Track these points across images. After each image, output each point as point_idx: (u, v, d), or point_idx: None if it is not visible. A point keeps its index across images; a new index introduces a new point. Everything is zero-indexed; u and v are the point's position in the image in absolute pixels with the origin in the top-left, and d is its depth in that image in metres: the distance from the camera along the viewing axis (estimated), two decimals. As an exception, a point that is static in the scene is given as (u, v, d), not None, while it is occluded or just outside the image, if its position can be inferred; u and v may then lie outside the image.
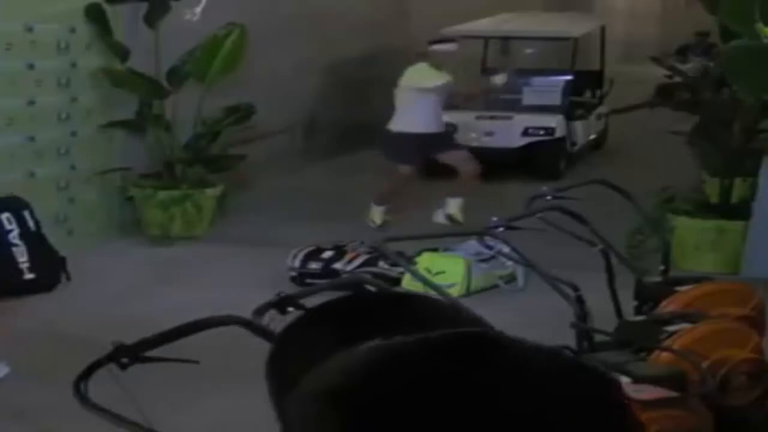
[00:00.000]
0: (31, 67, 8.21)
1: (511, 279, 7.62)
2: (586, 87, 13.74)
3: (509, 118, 11.85)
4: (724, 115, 8.14)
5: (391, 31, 14.00)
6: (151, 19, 9.01)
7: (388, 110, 9.52)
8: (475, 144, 11.17)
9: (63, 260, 7.76)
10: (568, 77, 12.64)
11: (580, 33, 13.19)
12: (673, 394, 3.51)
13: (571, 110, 12.45)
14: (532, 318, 6.26)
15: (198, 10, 9.88)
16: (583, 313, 4.33)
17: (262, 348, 2.43)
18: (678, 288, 4.70)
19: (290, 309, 2.89)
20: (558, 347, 1.20)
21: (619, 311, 4.79)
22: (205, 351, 2.95)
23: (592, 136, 13.37)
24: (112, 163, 9.01)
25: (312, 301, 2.83)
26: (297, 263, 7.75)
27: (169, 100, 9.12)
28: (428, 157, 9.53)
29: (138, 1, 9.05)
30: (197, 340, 2.63)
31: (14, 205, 7.77)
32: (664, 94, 9.29)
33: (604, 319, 4.54)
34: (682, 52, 18.18)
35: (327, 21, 12.43)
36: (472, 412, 1.06)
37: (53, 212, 8.38)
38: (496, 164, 10.74)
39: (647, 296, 4.81)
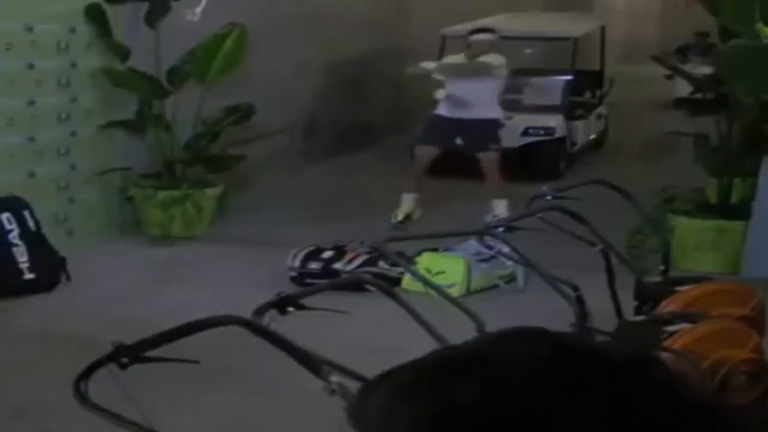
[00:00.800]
0: (31, 67, 8.21)
1: (511, 279, 7.62)
2: (586, 87, 13.74)
3: (509, 118, 11.84)
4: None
5: (391, 31, 14.00)
6: (151, 19, 9.00)
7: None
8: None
9: (63, 260, 7.76)
10: (568, 77, 12.64)
11: (580, 33, 13.19)
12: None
13: (571, 110, 12.45)
14: (532, 318, 6.25)
15: (198, 10, 9.88)
16: (583, 313, 4.33)
17: (262, 348, 2.43)
18: (678, 288, 4.71)
19: (290, 309, 2.89)
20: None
21: (619, 311, 4.79)
22: (205, 351, 2.95)
23: (592, 136, 13.37)
24: (112, 163, 9.01)
25: (309, 301, 2.83)
26: (297, 263, 7.75)
27: (169, 100, 9.12)
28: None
29: (138, 1, 9.04)
30: (197, 340, 2.63)
31: (14, 205, 7.77)
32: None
33: (604, 319, 4.55)
34: (682, 52, 18.20)
35: (327, 21, 12.43)
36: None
37: (53, 212, 8.38)
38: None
39: (647, 296, 4.81)
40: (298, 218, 9.64)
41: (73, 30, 8.58)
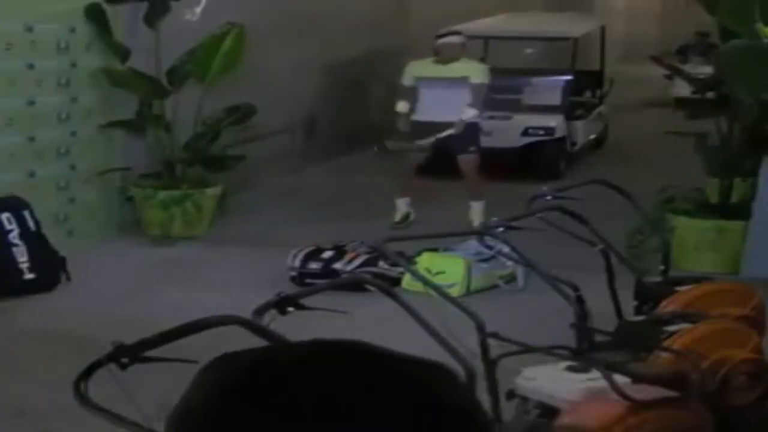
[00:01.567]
0: (31, 67, 8.21)
1: (511, 279, 7.62)
2: (586, 87, 13.73)
3: (509, 118, 11.84)
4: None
5: (391, 31, 14.00)
6: (151, 19, 9.00)
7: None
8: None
9: (63, 260, 7.76)
10: (568, 77, 12.64)
11: (580, 33, 13.19)
12: (672, 394, 3.51)
13: (571, 110, 12.45)
14: (532, 318, 6.26)
15: (198, 10, 9.88)
16: (583, 313, 4.33)
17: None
18: (678, 288, 4.71)
19: (290, 309, 2.89)
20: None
21: (619, 311, 4.79)
22: (205, 351, 2.94)
23: (592, 136, 13.36)
24: (112, 163, 9.01)
25: (309, 301, 2.83)
26: (297, 263, 7.75)
27: (169, 100, 9.12)
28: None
29: (138, 1, 9.05)
30: (197, 340, 2.63)
31: (14, 205, 7.77)
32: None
33: (604, 319, 4.55)
34: (682, 52, 18.19)
35: (327, 21, 12.43)
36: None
37: (53, 212, 8.38)
38: (496, 164, 10.74)
39: (647, 296, 4.81)
40: (298, 218, 9.63)
41: (73, 30, 8.58)
